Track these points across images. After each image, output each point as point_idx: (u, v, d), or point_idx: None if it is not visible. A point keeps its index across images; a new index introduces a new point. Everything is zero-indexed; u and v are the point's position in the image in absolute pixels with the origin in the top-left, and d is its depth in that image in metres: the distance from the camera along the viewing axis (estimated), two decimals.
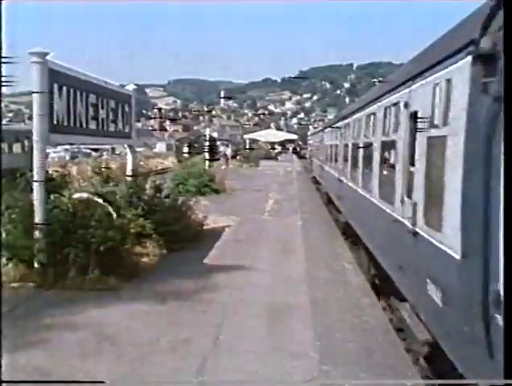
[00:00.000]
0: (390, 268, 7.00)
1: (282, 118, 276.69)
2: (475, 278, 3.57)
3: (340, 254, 10.97)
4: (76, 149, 50.49)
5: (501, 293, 3.15)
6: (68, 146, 46.79)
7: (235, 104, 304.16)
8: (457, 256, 4.05)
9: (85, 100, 9.53)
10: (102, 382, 4.80)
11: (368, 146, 9.21)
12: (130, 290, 7.81)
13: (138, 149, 22.69)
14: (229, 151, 52.54)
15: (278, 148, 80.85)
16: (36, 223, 7.90)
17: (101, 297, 7.42)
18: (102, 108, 10.40)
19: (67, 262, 7.82)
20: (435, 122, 4.96)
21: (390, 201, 6.85)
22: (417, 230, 5.42)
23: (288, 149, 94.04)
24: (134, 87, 12.83)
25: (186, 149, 47.51)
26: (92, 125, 9.95)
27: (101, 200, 9.15)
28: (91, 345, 5.74)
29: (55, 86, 8.39)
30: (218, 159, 39.99)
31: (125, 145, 13.00)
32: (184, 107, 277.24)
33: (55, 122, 8.38)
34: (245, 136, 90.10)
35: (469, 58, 3.89)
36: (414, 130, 5.78)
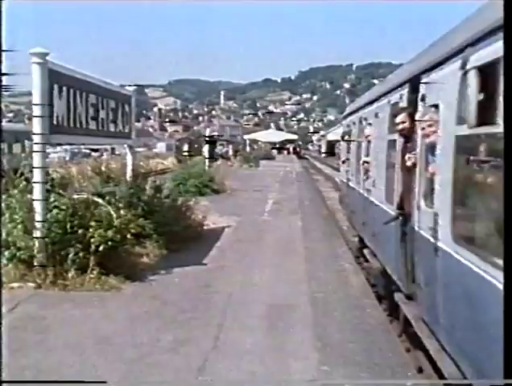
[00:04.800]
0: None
1: (282, 118, 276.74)
2: None
3: (340, 255, 10.97)
4: (76, 150, 50.47)
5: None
6: (67, 146, 46.78)
7: (235, 105, 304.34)
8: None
9: (85, 101, 9.53)
10: (103, 382, 4.80)
11: None
12: (130, 290, 7.82)
13: (138, 150, 22.74)
14: (230, 152, 52.58)
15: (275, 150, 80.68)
16: (37, 221, 7.89)
17: (101, 297, 7.43)
18: (102, 108, 10.40)
19: (67, 262, 7.83)
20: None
21: None
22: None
23: (289, 149, 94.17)
24: (134, 87, 12.79)
25: (186, 150, 47.60)
26: (92, 126, 9.95)
27: (100, 200, 9.15)
28: (91, 345, 5.74)
29: (56, 86, 8.38)
30: (217, 159, 40.01)
31: (125, 146, 13.00)
32: (184, 107, 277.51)
33: (55, 122, 8.38)
34: (246, 136, 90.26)
35: None
36: None
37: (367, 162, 9.18)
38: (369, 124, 9.22)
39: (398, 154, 6.43)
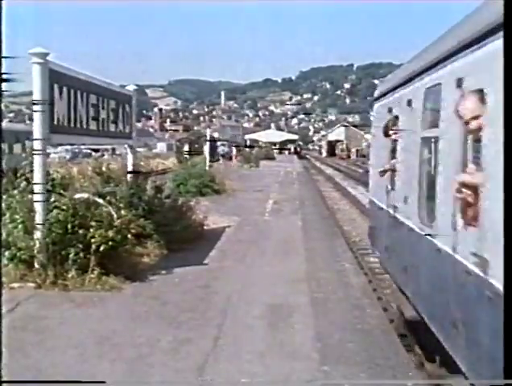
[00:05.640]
0: None
1: (283, 118, 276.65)
2: None
3: (341, 254, 10.97)
4: (76, 150, 50.52)
5: None
6: (68, 146, 46.81)
7: (235, 105, 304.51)
8: None
9: (86, 101, 9.53)
10: (102, 382, 4.80)
11: None
12: (130, 290, 7.82)
13: (139, 150, 22.73)
14: (234, 151, 52.54)
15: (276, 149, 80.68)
16: (37, 223, 7.89)
17: (102, 297, 7.43)
18: (103, 108, 10.40)
19: (67, 262, 7.83)
20: None
21: None
22: None
23: (289, 149, 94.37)
24: (135, 87, 12.80)
25: (186, 150, 47.67)
26: (93, 126, 9.95)
27: (101, 200, 9.15)
28: (91, 345, 5.74)
29: (56, 86, 8.38)
30: (218, 160, 40.05)
31: (126, 146, 13.01)
32: (185, 107, 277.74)
33: (55, 123, 8.38)
34: (246, 136, 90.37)
35: None
36: None
37: (472, 187, 3.98)
38: (480, 93, 3.90)
39: None
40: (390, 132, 7.39)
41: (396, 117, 7.15)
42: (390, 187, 7.39)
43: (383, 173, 7.74)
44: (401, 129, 6.83)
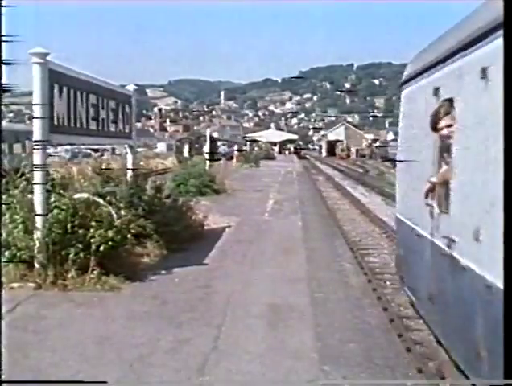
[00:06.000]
0: None
1: (283, 118, 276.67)
2: None
3: (341, 254, 10.98)
4: (76, 150, 50.51)
5: None
6: (68, 146, 46.81)
7: (235, 105, 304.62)
8: None
9: (86, 101, 9.53)
10: (103, 382, 4.80)
11: None
12: (130, 290, 7.82)
13: (139, 150, 22.76)
14: (235, 152, 52.54)
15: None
16: (37, 222, 7.89)
17: (101, 297, 7.43)
18: (103, 108, 10.40)
19: (67, 262, 7.83)
20: None
21: None
22: None
23: (289, 149, 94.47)
24: (135, 87, 12.81)
25: (186, 150, 47.74)
26: (93, 126, 9.95)
27: (101, 200, 9.15)
28: (91, 345, 5.74)
29: (56, 86, 8.38)
30: (219, 159, 40.08)
31: (126, 146, 13.02)
32: (185, 107, 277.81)
33: (55, 123, 8.38)
34: (246, 136, 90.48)
35: None
36: None
37: None
38: None
39: None
40: (442, 123, 4.72)
41: (450, 101, 4.59)
42: (438, 208, 4.87)
43: (431, 190, 5.04)
44: (462, 119, 4.23)
